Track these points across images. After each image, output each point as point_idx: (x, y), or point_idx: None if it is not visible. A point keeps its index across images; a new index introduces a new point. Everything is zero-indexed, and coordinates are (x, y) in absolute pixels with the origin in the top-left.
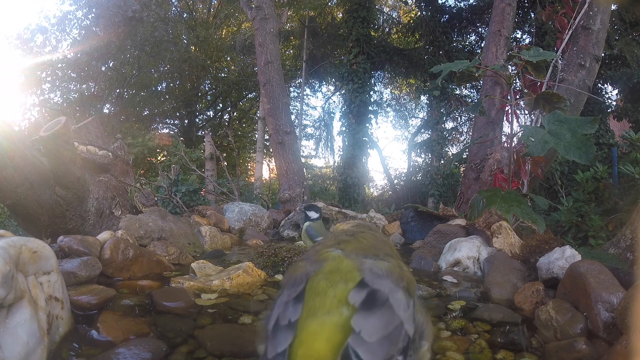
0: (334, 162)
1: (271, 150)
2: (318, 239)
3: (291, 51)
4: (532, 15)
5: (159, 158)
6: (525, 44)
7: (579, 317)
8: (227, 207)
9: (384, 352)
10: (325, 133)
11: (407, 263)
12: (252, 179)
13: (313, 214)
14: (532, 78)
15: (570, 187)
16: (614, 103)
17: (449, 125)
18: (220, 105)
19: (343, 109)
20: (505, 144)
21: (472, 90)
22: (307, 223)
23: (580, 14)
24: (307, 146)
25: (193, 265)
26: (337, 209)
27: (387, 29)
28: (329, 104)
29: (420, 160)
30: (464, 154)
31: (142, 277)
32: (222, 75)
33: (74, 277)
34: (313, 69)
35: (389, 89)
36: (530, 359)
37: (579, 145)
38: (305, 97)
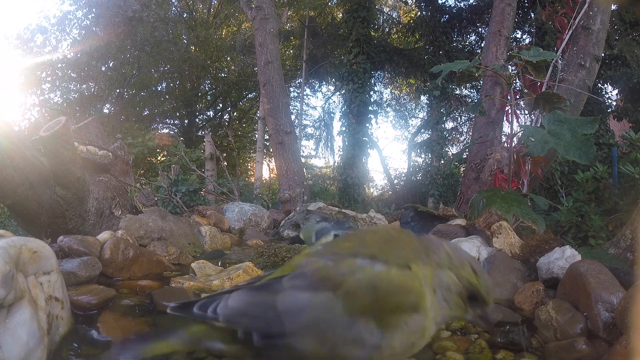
0: (334, 162)
1: (271, 150)
2: (317, 228)
3: (291, 51)
4: (532, 15)
5: (159, 158)
6: (525, 44)
7: (579, 317)
8: (227, 207)
9: (235, 315)
10: (325, 133)
11: None
12: (252, 179)
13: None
14: (532, 78)
15: (570, 187)
16: (614, 103)
17: (449, 125)
18: (220, 105)
19: (343, 109)
20: (505, 144)
21: (472, 90)
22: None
23: (580, 14)
24: (307, 146)
25: (193, 265)
26: (337, 209)
27: (387, 29)
28: (329, 104)
29: (420, 160)
30: (464, 154)
31: (142, 277)
32: (222, 75)
33: (74, 277)
34: (313, 69)
35: (389, 89)
36: (530, 359)
37: (579, 145)
38: (305, 97)
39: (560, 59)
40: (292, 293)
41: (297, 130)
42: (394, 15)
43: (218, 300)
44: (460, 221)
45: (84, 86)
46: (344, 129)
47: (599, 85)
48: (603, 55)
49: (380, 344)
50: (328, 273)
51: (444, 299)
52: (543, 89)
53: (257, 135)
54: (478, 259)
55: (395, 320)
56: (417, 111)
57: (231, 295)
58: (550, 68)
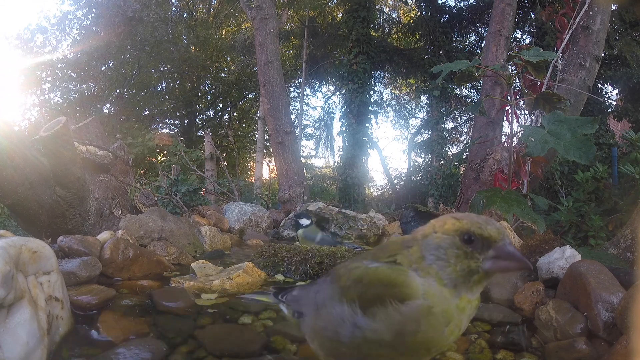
0: (334, 162)
1: (271, 150)
2: (318, 238)
3: (291, 51)
4: (532, 15)
5: (159, 158)
6: (525, 44)
7: (579, 317)
8: (227, 207)
9: (291, 300)
10: (325, 133)
11: None
12: (252, 179)
13: (304, 221)
14: (532, 78)
15: (570, 187)
16: (614, 103)
17: (449, 125)
18: (220, 105)
19: (343, 109)
20: (505, 144)
21: (472, 90)
22: (301, 230)
23: (580, 14)
24: (307, 146)
25: (193, 265)
26: (337, 209)
27: (387, 29)
28: (329, 104)
29: (420, 160)
30: (464, 154)
31: (142, 277)
32: (222, 75)
33: (74, 277)
34: (313, 69)
35: (389, 89)
36: (530, 359)
37: (579, 145)
38: (305, 97)
39: (560, 59)
40: (321, 284)
41: (297, 130)
42: (394, 15)
43: (292, 290)
44: None
45: (84, 86)
46: (344, 129)
47: (599, 85)
48: (603, 55)
49: (361, 325)
50: (340, 271)
51: (438, 258)
52: (543, 89)
53: (257, 135)
54: None
55: (380, 308)
56: (417, 111)
57: (296, 287)
58: (550, 68)
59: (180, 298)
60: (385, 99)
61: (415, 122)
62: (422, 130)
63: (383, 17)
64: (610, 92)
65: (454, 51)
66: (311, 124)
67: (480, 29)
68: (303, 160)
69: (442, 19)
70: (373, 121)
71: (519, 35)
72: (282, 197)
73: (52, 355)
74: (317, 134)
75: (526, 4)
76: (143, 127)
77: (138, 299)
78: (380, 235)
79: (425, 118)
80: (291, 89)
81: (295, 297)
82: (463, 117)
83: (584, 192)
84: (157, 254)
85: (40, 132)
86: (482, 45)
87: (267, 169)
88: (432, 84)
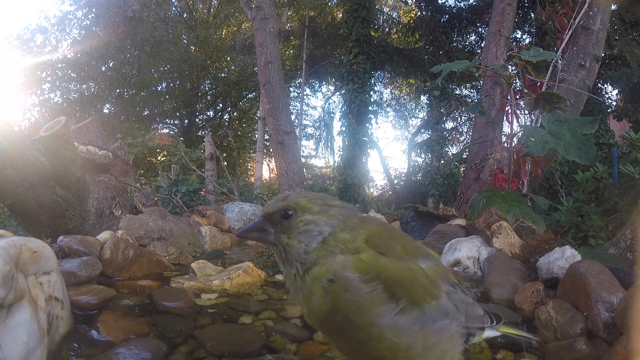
0: (334, 162)
1: (271, 150)
2: None
3: (291, 51)
4: (532, 15)
5: (159, 158)
6: (525, 44)
7: (579, 317)
8: (227, 207)
9: None
10: (325, 133)
11: None
12: (252, 179)
13: None
14: (532, 78)
15: (570, 187)
16: (614, 103)
17: (449, 125)
18: (220, 105)
19: (343, 109)
20: (505, 144)
21: (472, 90)
22: None
23: (580, 14)
24: (307, 146)
25: (193, 265)
26: None
27: (387, 29)
28: (329, 104)
29: (420, 160)
30: (464, 154)
31: (142, 277)
32: (222, 75)
33: (74, 277)
34: (313, 69)
35: (389, 89)
36: (530, 359)
37: (579, 145)
38: (305, 97)
39: (560, 59)
40: None
41: (297, 130)
42: (394, 15)
43: None
44: (460, 221)
45: (84, 86)
46: (344, 129)
47: (599, 85)
48: (603, 55)
49: None
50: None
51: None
52: (543, 89)
53: (257, 135)
54: (478, 259)
55: None
56: (417, 111)
57: None
58: (550, 68)
59: (180, 298)
60: (385, 99)
61: (415, 122)
62: (422, 130)
63: (383, 17)
64: (610, 92)
65: (454, 51)
66: (311, 124)
67: (480, 29)
68: (303, 160)
69: (442, 19)
70: (373, 121)
71: (519, 35)
72: None
73: (52, 355)
74: (317, 134)
75: (526, 4)
76: (143, 127)
77: (138, 299)
78: None
79: (425, 118)
80: (291, 89)
81: None
82: (463, 117)
83: (584, 192)
84: (157, 254)
85: (40, 132)
86: (482, 45)
87: (267, 169)
88: (432, 84)
